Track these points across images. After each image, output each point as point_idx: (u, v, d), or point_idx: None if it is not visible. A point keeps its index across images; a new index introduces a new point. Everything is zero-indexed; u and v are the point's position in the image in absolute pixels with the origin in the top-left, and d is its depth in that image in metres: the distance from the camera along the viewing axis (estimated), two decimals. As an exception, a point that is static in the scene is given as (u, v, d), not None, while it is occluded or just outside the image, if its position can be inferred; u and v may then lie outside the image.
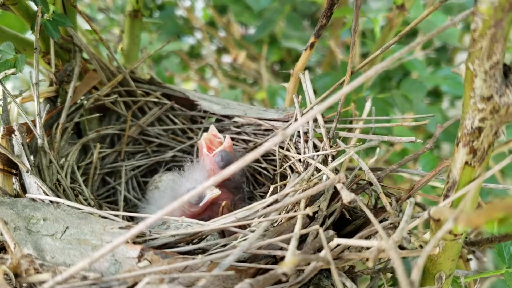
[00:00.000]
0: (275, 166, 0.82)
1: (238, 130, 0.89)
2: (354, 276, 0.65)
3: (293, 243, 0.49)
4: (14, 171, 0.70)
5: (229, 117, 0.90)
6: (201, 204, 0.72)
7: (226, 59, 2.02)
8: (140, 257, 0.52)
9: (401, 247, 0.60)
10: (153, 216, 0.43)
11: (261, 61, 1.75)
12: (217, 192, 0.72)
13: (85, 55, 0.89)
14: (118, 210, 0.82)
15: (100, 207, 0.78)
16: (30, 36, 0.79)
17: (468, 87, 0.42)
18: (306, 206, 0.59)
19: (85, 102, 0.85)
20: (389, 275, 0.63)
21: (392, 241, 0.43)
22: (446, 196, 0.49)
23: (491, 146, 0.45)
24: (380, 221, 0.65)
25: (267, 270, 0.54)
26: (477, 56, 0.39)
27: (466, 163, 0.46)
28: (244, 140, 0.89)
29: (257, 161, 0.87)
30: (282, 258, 0.55)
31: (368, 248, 0.57)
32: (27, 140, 0.71)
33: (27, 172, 0.65)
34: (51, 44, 0.81)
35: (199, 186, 0.39)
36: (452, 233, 0.47)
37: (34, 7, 0.77)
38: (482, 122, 0.43)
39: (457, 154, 0.46)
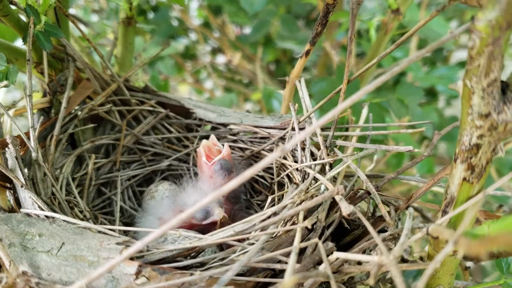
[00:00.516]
0: (272, 175, 0.82)
1: (234, 138, 0.88)
2: (353, 286, 0.64)
3: (293, 258, 0.49)
4: (8, 185, 0.69)
5: (224, 125, 0.89)
6: (204, 222, 0.72)
7: (221, 59, 2.01)
8: (138, 274, 0.51)
9: (402, 259, 0.59)
10: (151, 233, 0.42)
11: (256, 62, 1.74)
12: (222, 213, 0.71)
13: (79, 64, 0.88)
14: (114, 221, 0.82)
15: (96, 219, 0.77)
16: (21, 45, 0.78)
17: (465, 104, 0.42)
18: (304, 217, 0.59)
19: (79, 112, 0.84)
20: (388, 285, 0.63)
21: (393, 256, 0.43)
22: (444, 212, 0.49)
23: (489, 162, 0.45)
24: (379, 231, 0.65)
25: (266, 283, 0.54)
26: (475, 74, 0.39)
27: (464, 179, 0.46)
28: (240, 148, 0.88)
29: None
30: (282, 271, 0.54)
31: (368, 262, 0.56)
32: (21, 153, 0.70)
33: (21, 186, 0.64)
34: (43, 54, 0.80)
35: (204, 200, 0.39)
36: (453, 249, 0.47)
37: (25, 18, 0.76)
38: (480, 139, 0.43)
39: (455, 170, 0.46)
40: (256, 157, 0.87)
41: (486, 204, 1.49)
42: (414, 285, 0.60)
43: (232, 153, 0.88)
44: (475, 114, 0.41)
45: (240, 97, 1.98)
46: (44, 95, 0.84)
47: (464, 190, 0.47)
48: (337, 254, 0.50)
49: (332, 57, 1.47)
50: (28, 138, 0.71)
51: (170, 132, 0.94)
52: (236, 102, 1.86)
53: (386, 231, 0.60)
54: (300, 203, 0.61)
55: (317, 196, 0.61)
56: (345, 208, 0.51)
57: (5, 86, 0.71)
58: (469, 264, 0.84)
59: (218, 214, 0.71)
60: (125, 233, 0.72)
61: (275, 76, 1.88)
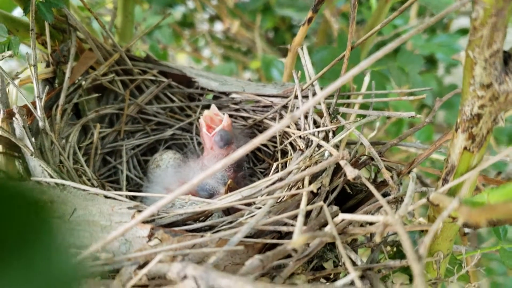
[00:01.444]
0: (275, 143, 0.83)
1: (237, 107, 0.89)
2: (356, 249, 0.67)
3: (300, 219, 0.51)
4: (16, 154, 0.70)
5: (227, 94, 0.90)
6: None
7: (219, 27, 1.99)
8: (150, 236, 0.53)
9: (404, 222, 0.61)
10: (163, 198, 0.44)
11: (255, 29, 1.73)
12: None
13: (80, 34, 0.87)
14: (120, 189, 0.83)
15: (103, 187, 0.79)
16: (21, 15, 0.77)
17: (468, 74, 0.42)
18: (309, 183, 0.61)
19: (83, 82, 0.85)
20: (389, 248, 0.65)
21: (398, 216, 0.45)
22: (445, 180, 0.50)
23: (490, 132, 0.46)
24: (382, 195, 0.67)
25: (274, 244, 0.56)
26: (478, 44, 0.40)
27: (465, 148, 0.47)
28: (242, 117, 0.89)
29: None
30: (288, 233, 0.56)
31: (371, 223, 0.58)
32: (28, 123, 0.71)
33: (31, 155, 0.66)
34: (45, 25, 0.80)
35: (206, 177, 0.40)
36: (450, 216, 0.49)
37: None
38: (481, 109, 0.44)
39: (456, 140, 0.47)
40: (258, 126, 0.88)
41: (483, 172, 1.52)
42: (418, 244, 0.62)
43: (234, 122, 0.89)
44: (477, 84, 0.42)
45: (239, 66, 1.97)
46: (47, 66, 0.84)
47: (465, 159, 0.48)
48: (342, 216, 0.52)
49: (332, 25, 1.47)
50: (35, 108, 0.72)
51: (173, 101, 0.95)
52: (236, 70, 1.86)
53: (389, 195, 0.61)
54: (305, 168, 0.62)
55: (321, 162, 0.62)
56: (350, 172, 0.53)
57: (10, 56, 0.72)
58: (467, 230, 0.87)
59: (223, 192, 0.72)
60: (133, 199, 0.74)
61: (274, 44, 1.87)
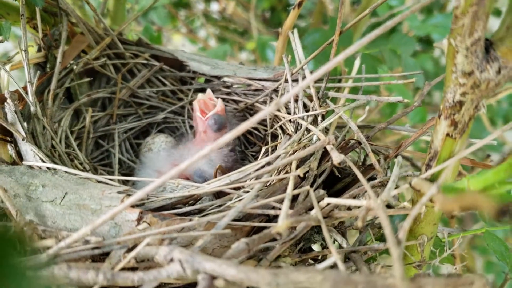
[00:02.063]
0: (266, 126, 0.83)
1: (228, 90, 0.90)
2: (344, 231, 0.68)
3: (286, 204, 0.52)
4: (9, 139, 0.71)
5: (218, 78, 0.90)
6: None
7: (215, 7, 1.98)
8: (139, 220, 0.54)
9: (389, 206, 0.62)
10: (152, 183, 0.44)
11: (250, 10, 1.72)
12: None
13: (72, 18, 0.87)
14: (113, 172, 0.84)
15: (95, 171, 0.80)
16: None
17: (450, 62, 0.43)
18: (297, 167, 0.61)
19: (74, 66, 0.85)
20: (377, 230, 0.66)
21: (380, 200, 0.46)
22: (428, 166, 0.51)
23: (472, 119, 0.47)
24: (369, 179, 0.68)
25: (261, 228, 0.57)
26: (459, 33, 0.40)
27: (448, 134, 0.48)
28: (234, 101, 0.90)
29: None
30: (275, 216, 0.57)
31: (357, 207, 0.59)
32: (19, 108, 0.71)
33: (23, 140, 0.66)
34: (36, 9, 0.80)
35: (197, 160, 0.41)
36: (431, 201, 0.50)
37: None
38: (463, 96, 0.44)
39: (439, 126, 0.48)
40: (250, 110, 0.88)
41: (479, 152, 1.53)
42: (400, 227, 0.64)
43: (226, 105, 0.89)
44: (458, 72, 0.43)
45: (235, 47, 1.96)
46: (39, 50, 0.84)
47: (447, 145, 0.49)
48: (327, 200, 0.53)
49: (327, 6, 1.46)
50: (26, 93, 0.72)
51: (165, 85, 0.95)
52: (231, 52, 1.85)
53: (375, 179, 0.62)
54: (293, 153, 0.63)
55: (309, 146, 0.63)
56: (336, 157, 0.54)
57: (0, 41, 0.72)
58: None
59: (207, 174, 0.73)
60: (125, 183, 0.75)
61: (271, 24, 1.86)
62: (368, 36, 0.41)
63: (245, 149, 0.90)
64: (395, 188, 0.53)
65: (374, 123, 1.57)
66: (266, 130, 0.84)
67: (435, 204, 0.38)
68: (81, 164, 0.76)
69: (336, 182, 0.68)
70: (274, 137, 0.81)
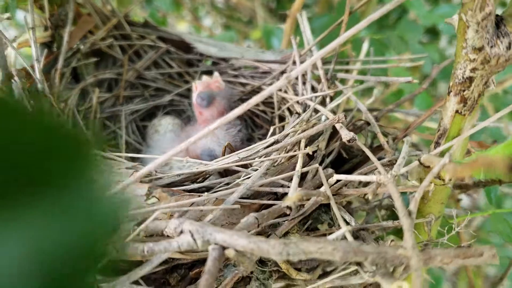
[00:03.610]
0: (273, 109, 0.83)
1: (235, 73, 0.89)
2: (351, 211, 0.68)
3: (295, 180, 0.52)
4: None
5: (225, 60, 0.90)
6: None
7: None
8: (148, 195, 0.54)
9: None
10: (159, 157, 0.45)
11: (256, -2, 1.71)
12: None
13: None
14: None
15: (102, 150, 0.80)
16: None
17: (460, 38, 0.43)
18: (305, 146, 0.61)
19: (81, 46, 0.85)
20: (384, 211, 0.66)
21: (391, 175, 0.46)
22: (437, 143, 0.51)
23: (481, 95, 0.47)
24: (377, 159, 0.68)
25: (270, 206, 0.57)
26: (470, 8, 0.40)
27: (457, 111, 0.48)
28: (241, 83, 0.89)
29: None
30: (284, 194, 0.57)
31: (366, 185, 0.59)
32: (27, 86, 0.71)
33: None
34: (43, -12, 0.79)
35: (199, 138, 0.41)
36: (441, 178, 0.50)
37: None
38: (473, 72, 0.44)
39: (448, 103, 0.48)
40: (257, 92, 0.88)
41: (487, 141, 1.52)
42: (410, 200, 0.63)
43: (233, 88, 0.89)
44: (469, 47, 0.43)
45: (240, 36, 1.96)
46: (46, 30, 0.84)
47: (457, 122, 0.49)
48: (337, 177, 0.53)
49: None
50: (33, 71, 0.72)
51: (171, 67, 0.95)
52: (237, 39, 1.84)
53: (383, 159, 0.62)
54: (302, 131, 0.63)
55: (318, 125, 0.63)
56: (346, 135, 0.54)
57: (8, 18, 0.71)
58: (461, 196, 0.88)
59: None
60: (133, 160, 0.75)
61: (276, 13, 1.85)
62: (375, 13, 0.41)
63: (252, 132, 0.90)
64: (404, 166, 0.53)
65: (379, 108, 1.57)
66: (273, 113, 0.83)
67: (446, 174, 0.38)
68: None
69: (344, 163, 0.68)
70: (282, 119, 0.81)
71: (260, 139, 0.87)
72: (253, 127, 0.91)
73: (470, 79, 0.46)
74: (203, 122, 0.81)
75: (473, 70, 0.45)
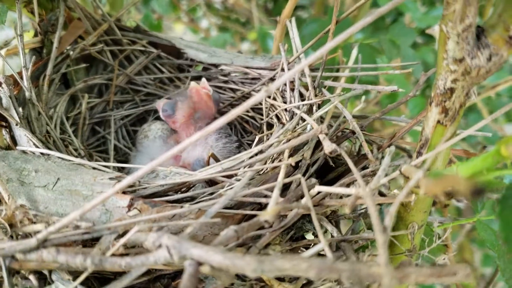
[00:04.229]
0: (262, 115, 0.83)
1: (225, 78, 0.89)
2: (337, 220, 0.68)
3: (276, 192, 0.52)
4: (4, 124, 0.71)
5: (216, 66, 0.90)
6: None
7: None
8: (130, 206, 0.54)
9: (382, 194, 0.62)
10: (143, 167, 0.44)
11: (252, 0, 1.71)
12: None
13: (69, 3, 0.87)
14: (108, 159, 0.84)
15: (90, 157, 0.80)
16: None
17: (441, 49, 0.43)
18: (290, 155, 0.61)
19: (71, 52, 0.85)
20: (369, 219, 0.66)
21: (369, 189, 0.45)
22: (419, 153, 0.51)
23: (463, 106, 0.47)
24: (362, 168, 0.68)
25: (253, 216, 0.57)
26: (450, 19, 0.40)
27: (438, 122, 0.48)
28: (231, 89, 0.89)
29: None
30: (267, 205, 0.57)
31: (348, 196, 0.59)
32: (14, 93, 0.71)
33: (17, 125, 0.66)
34: (33, -7, 0.79)
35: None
36: (419, 187, 0.49)
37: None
38: (454, 83, 0.44)
39: (430, 113, 0.48)
40: (247, 98, 0.88)
41: (478, 145, 1.52)
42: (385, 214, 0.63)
43: (222, 93, 0.89)
44: (450, 58, 0.43)
45: (236, 37, 1.96)
46: (35, 35, 0.84)
47: (438, 132, 0.49)
48: (318, 188, 0.53)
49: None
50: (21, 78, 0.72)
51: (162, 72, 0.95)
52: (233, 41, 1.85)
53: (367, 168, 0.62)
54: (286, 141, 0.63)
55: (302, 135, 0.63)
56: (328, 146, 0.54)
57: (-2, 23, 0.71)
58: (456, 203, 0.88)
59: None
60: (119, 170, 0.75)
61: (273, 14, 1.84)
62: (364, 20, 0.41)
63: (241, 138, 0.90)
64: (386, 176, 0.53)
65: (371, 114, 1.57)
66: (262, 119, 0.83)
67: (421, 188, 0.38)
68: (75, 150, 0.76)
69: (330, 171, 0.68)
70: (270, 126, 0.81)
71: (249, 145, 0.87)
72: (242, 132, 0.91)
73: (451, 90, 0.46)
74: (184, 129, 0.82)
75: (454, 81, 0.45)
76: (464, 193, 0.31)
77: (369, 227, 0.66)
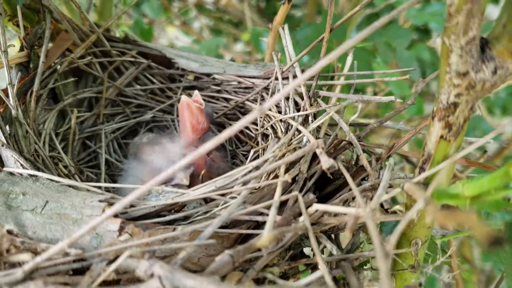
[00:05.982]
0: (257, 125, 0.81)
1: (218, 88, 0.87)
2: (336, 233, 0.66)
3: (273, 212, 0.50)
4: (-10, 143, 0.68)
5: (208, 75, 0.88)
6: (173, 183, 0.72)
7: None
8: (120, 230, 0.52)
9: (382, 206, 0.60)
10: (132, 194, 0.42)
11: (245, 0, 1.68)
12: (186, 178, 0.72)
13: (56, 15, 0.84)
14: (100, 174, 0.82)
15: (81, 173, 0.78)
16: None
17: (444, 62, 0.41)
18: (286, 170, 0.59)
19: (58, 66, 0.82)
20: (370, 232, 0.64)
21: (369, 209, 0.44)
22: (421, 169, 0.49)
23: (467, 121, 0.45)
24: (362, 180, 0.66)
25: (249, 234, 0.55)
26: (453, 31, 0.38)
27: (442, 137, 0.46)
28: (224, 98, 0.87)
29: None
30: (264, 222, 0.55)
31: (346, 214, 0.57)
32: (0, 111, 0.69)
33: (2, 145, 0.64)
34: (18, 7, 0.77)
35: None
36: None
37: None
38: (458, 98, 0.42)
39: (433, 128, 0.46)
40: (240, 108, 0.86)
41: (478, 148, 1.51)
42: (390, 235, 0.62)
43: (215, 103, 0.87)
44: (453, 72, 0.41)
45: (229, 38, 1.93)
46: (21, 49, 0.81)
47: (441, 147, 0.47)
48: (316, 206, 0.51)
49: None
50: (7, 96, 0.70)
51: (153, 83, 0.92)
52: (227, 43, 1.82)
53: (367, 181, 0.60)
54: (282, 156, 0.61)
55: (298, 149, 0.61)
56: (325, 162, 0.52)
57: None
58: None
59: (180, 179, 0.71)
60: (109, 190, 0.73)
61: (266, 14, 1.82)
62: (362, 33, 0.38)
63: (236, 148, 0.88)
64: (387, 192, 0.51)
65: (371, 115, 1.55)
66: (257, 130, 0.81)
67: (428, 216, 0.36)
68: (66, 167, 0.73)
69: (328, 184, 0.66)
70: (265, 136, 0.79)
71: (244, 156, 0.85)
72: (237, 143, 0.89)
73: (455, 105, 0.44)
74: (195, 131, 0.79)
75: (458, 95, 0.43)
76: (480, 241, 0.29)
77: (370, 242, 0.65)
